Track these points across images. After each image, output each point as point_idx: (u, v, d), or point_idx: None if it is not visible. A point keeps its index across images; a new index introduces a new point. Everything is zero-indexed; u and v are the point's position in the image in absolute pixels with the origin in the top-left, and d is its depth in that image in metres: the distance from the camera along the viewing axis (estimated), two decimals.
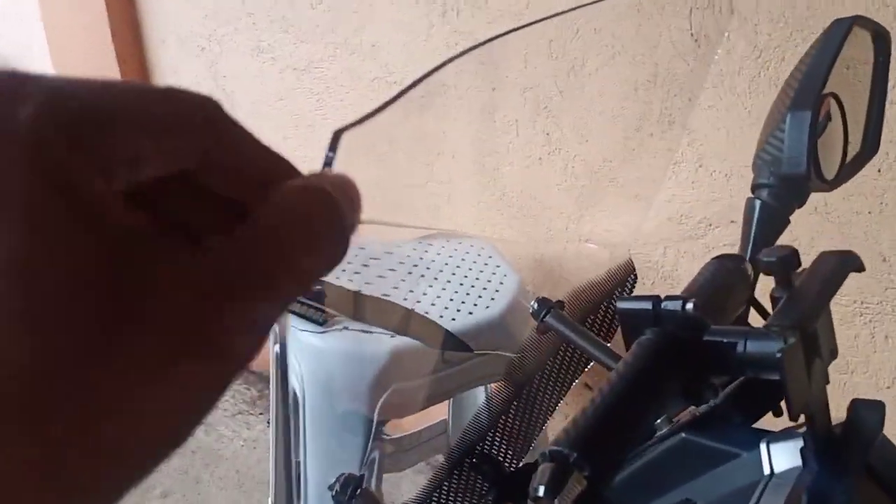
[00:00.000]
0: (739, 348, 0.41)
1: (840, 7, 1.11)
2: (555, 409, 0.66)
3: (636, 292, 0.70)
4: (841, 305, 1.26)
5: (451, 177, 1.62)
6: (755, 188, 0.58)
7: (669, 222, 1.44)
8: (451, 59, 0.39)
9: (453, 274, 1.38)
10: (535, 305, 0.58)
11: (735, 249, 1.35)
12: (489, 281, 1.36)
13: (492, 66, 1.44)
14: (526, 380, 0.61)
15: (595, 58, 1.37)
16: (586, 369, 0.66)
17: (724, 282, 0.47)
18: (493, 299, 1.31)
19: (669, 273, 1.45)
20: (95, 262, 0.19)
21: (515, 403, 0.62)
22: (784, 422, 0.55)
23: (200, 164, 0.24)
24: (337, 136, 0.30)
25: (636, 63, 1.31)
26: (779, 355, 0.38)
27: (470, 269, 1.39)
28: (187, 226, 0.25)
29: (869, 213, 1.19)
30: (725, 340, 0.41)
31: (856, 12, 1.10)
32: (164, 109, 0.23)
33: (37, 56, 2.26)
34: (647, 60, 1.29)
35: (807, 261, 0.51)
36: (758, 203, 0.56)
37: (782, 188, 0.56)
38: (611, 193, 1.43)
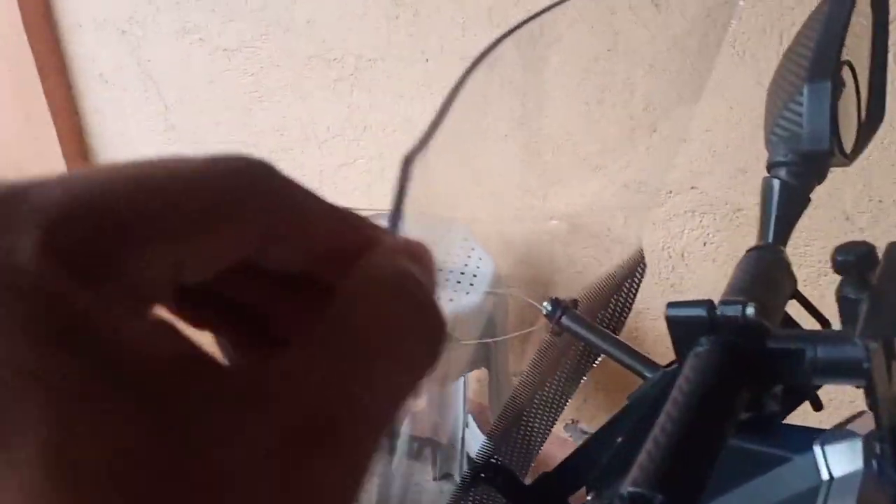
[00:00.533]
0: (810, 353, 0.38)
1: None
2: (562, 411, 0.62)
3: (645, 281, 0.66)
4: (805, 266, 1.26)
5: (381, 151, 1.57)
6: (771, 167, 0.54)
7: (626, 189, 1.42)
8: (489, 49, 0.34)
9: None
10: (549, 307, 0.54)
11: (695, 215, 1.34)
12: (466, 265, 1.31)
13: (420, 36, 1.38)
14: (538, 386, 0.57)
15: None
16: (594, 365, 0.62)
17: (770, 278, 0.43)
18: (471, 284, 1.27)
19: (636, 243, 1.43)
20: (141, 433, 0.14)
21: (526, 411, 0.58)
22: (818, 416, 0.52)
23: (260, 246, 0.19)
24: (408, 164, 0.24)
25: (595, 32, 1.27)
26: (867, 365, 0.34)
27: (447, 254, 1.34)
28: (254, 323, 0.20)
29: (831, 171, 1.18)
30: (793, 347, 0.38)
31: None
32: (205, 195, 0.17)
33: None
34: (606, 29, 1.25)
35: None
36: (777, 183, 0.52)
37: (802, 165, 0.52)
38: (575, 167, 1.40)
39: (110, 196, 0.16)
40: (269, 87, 1.63)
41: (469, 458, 1.59)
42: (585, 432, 1.69)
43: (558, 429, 1.72)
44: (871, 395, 0.35)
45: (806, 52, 0.54)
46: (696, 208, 1.33)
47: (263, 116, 1.68)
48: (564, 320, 0.54)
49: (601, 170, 1.41)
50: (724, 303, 0.39)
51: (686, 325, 0.40)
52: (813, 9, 1.06)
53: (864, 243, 0.38)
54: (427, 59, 1.43)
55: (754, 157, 1.22)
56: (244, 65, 1.63)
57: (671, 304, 0.40)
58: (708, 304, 0.39)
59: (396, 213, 0.24)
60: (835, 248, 0.39)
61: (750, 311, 0.38)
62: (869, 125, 0.62)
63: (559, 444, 1.74)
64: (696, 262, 1.37)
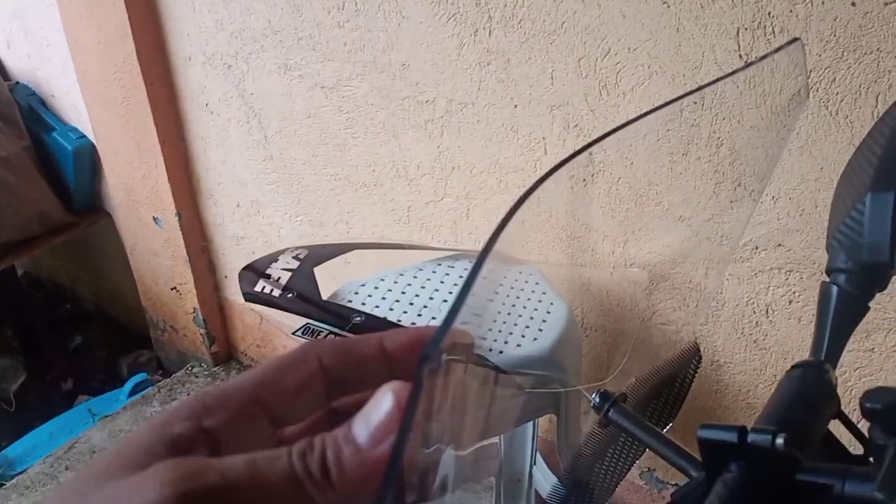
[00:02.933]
0: (837, 489, 0.38)
1: (894, 27, 1.06)
2: (611, 494, 0.63)
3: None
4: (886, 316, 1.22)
5: (468, 191, 1.59)
6: (831, 272, 0.54)
7: (709, 242, 1.40)
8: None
9: (503, 304, 1.32)
10: (598, 399, 0.55)
11: (781, 273, 1.31)
12: (536, 310, 1.30)
13: (510, 83, 1.40)
14: (587, 472, 0.58)
15: (630, 77, 1.33)
16: (644, 452, 0.63)
17: (809, 401, 0.43)
18: (540, 330, 1.26)
19: (714, 295, 1.41)
20: None
21: (575, 496, 0.59)
22: None
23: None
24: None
25: (676, 84, 1.26)
26: None
27: (518, 298, 1.34)
28: None
29: None
30: (821, 482, 0.38)
31: None
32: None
33: (62, 73, 2.25)
34: (689, 82, 1.25)
35: None
36: (835, 290, 0.52)
37: (862, 275, 0.52)
38: (658, 217, 1.39)
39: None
40: (364, 125, 1.68)
41: (538, 495, 1.59)
42: (661, 481, 1.67)
43: (635, 476, 1.70)
44: None
45: (872, 159, 0.54)
46: (783, 266, 1.31)
47: (357, 152, 1.73)
48: (612, 414, 0.55)
49: (685, 220, 1.40)
50: (755, 430, 0.39)
51: (717, 448, 0.40)
52: None
53: (893, 390, 0.38)
54: (516, 105, 1.45)
55: None
56: (341, 102, 1.69)
57: (703, 426, 0.41)
58: (740, 430, 0.40)
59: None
60: (863, 394, 0.39)
61: (780, 441, 0.39)
62: None
63: (635, 490, 1.72)
64: (780, 320, 1.35)
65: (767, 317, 1.36)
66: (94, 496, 0.27)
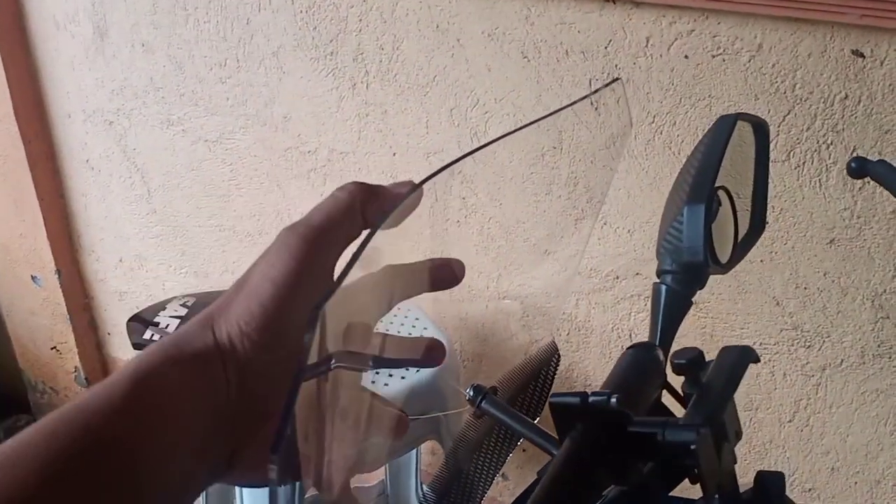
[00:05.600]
0: (659, 437, 0.47)
1: (721, 75, 1.21)
2: (490, 485, 0.70)
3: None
4: None
5: None
6: (660, 274, 0.64)
7: (578, 276, 1.52)
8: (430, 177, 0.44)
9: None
10: (471, 392, 0.63)
11: (640, 299, 1.43)
12: None
13: (388, 133, 1.51)
14: (465, 462, 0.66)
15: (497, 125, 1.44)
16: (517, 444, 0.71)
17: (640, 372, 0.52)
18: None
19: (583, 323, 1.52)
20: None
21: (456, 484, 0.66)
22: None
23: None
24: (315, 312, 0.33)
25: (541, 130, 1.38)
26: (693, 447, 0.43)
27: (399, 332, 1.43)
28: None
29: (761, 261, 1.29)
30: (647, 431, 0.47)
31: (735, 82, 1.19)
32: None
33: None
34: (550, 127, 1.36)
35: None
36: (664, 288, 0.62)
37: (684, 274, 0.62)
38: (525, 252, 1.50)
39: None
40: (248, 176, 1.74)
41: None
42: None
43: None
44: (698, 471, 0.44)
45: (688, 178, 0.65)
46: (642, 293, 1.43)
47: (241, 203, 1.78)
48: (485, 405, 0.63)
49: (550, 254, 1.52)
50: (594, 394, 0.48)
51: (565, 410, 0.49)
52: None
53: (694, 349, 0.47)
54: (394, 153, 1.55)
55: None
56: (224, 155, 1.74)
57: (554, 394, 0.49)
58: (582, 394, 0.48)
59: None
60: (672, 353, 0.48)
61: (613, 401, 0.47)
62: (751, 235, 0.72)
63: None
64: None
65: (631, 340, 1.48)
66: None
